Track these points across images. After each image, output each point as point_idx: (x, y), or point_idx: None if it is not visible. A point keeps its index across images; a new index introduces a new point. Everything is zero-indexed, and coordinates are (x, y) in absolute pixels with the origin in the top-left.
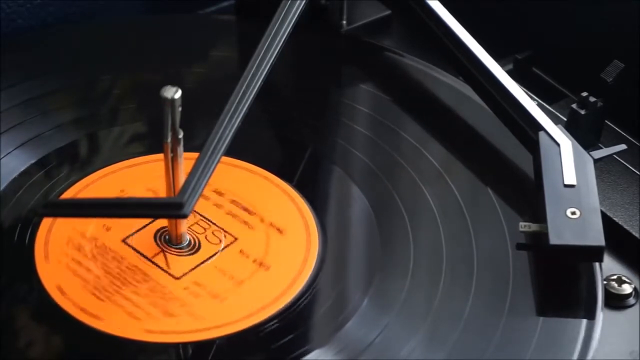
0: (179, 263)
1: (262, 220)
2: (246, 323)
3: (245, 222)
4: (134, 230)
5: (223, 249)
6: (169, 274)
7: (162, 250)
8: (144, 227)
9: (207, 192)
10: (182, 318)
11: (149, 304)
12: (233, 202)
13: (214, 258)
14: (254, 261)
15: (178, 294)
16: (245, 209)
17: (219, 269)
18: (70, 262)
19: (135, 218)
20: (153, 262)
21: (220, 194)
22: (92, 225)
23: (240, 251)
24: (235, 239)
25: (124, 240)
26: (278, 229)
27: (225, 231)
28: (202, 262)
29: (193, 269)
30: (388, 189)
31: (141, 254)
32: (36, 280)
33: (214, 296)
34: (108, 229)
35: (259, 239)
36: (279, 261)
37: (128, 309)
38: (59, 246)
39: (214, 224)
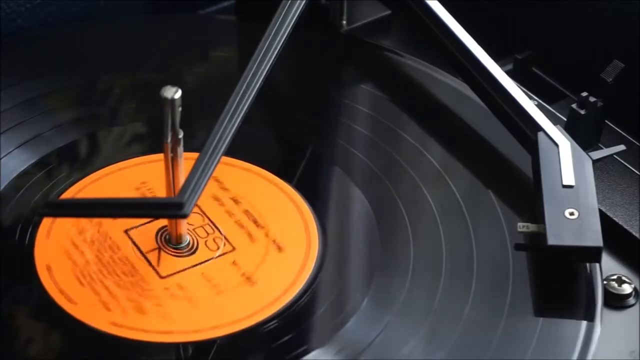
0: (170, 263)
1: (264, 227)
2: (246, 323)
3: (249, 231)
4: (139, 223)
5: (218, 256)
6: (156, 272)
7: (159, 248)
8: (150, 221)
9: (224, 198)
10: (151, 317)
11: (125, 298)
12: (246, 212)
13: (205, 264)
14: (242, 274)
15: (157, 293)
16: (254, 220)
17: (204, 276)
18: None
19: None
20: (145, 257)
21: (237, 202)
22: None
23: (234, 262)
24: (234, 248)
25: (126, 231)
26: (278, 243)
27: (226, 240)
28: (192, 266)
29: (181, 271)
30: (388, 189)
31: (137, 247)
32: (36, 281)
33: (190, 301)
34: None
35: (257, 249)
36: (274, 268)
37: (104, 298)
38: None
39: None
